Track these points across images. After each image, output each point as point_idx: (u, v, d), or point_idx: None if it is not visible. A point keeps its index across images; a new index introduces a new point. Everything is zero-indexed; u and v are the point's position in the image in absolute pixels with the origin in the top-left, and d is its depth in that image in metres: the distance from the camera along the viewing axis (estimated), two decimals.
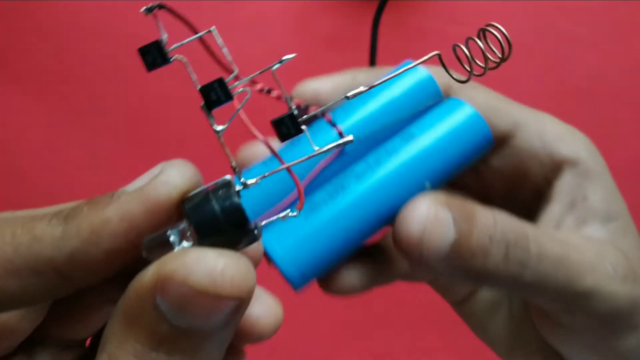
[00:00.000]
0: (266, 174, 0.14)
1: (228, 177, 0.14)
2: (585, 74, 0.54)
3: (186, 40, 0.15)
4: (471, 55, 0.16)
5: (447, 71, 0.16)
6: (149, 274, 0.13)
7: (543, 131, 0.22)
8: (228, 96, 0.16)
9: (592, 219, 0.21)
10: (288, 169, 0.15)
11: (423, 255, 0.17)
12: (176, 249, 0.13)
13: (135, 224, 0.14)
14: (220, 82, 0.16)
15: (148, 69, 0.15)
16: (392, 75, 0.15)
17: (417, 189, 0.18)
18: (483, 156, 0.21)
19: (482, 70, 0.16)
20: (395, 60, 0.56)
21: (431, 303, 0.28)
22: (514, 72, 0.55)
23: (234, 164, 0.15)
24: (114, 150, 0.53)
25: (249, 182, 0.14)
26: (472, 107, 0.20)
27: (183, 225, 0.14)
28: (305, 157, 0.14)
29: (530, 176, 0.22)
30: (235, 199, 0.13)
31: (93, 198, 0.14)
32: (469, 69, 0.16)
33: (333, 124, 0.19)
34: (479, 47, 0.16)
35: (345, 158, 0.20)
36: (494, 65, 0.16)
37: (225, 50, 0.16)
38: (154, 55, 0.15)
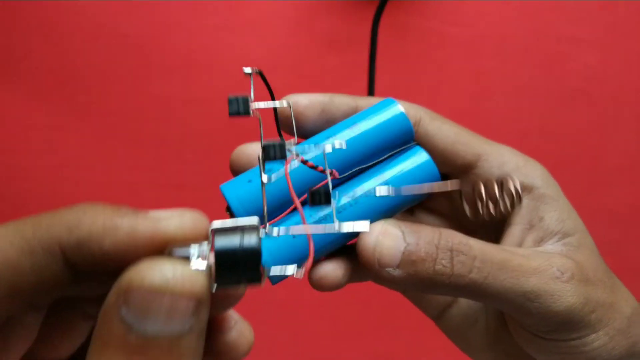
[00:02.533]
0: (290, 233, 0.18)
1: (256, 220, 0.17)
2: (584, 74, 0.54)
3: (265, 105, 0.19)
4: (486, 199, 0.20)
5: (463, 206, 0.21)
6: (112, 290, 0.14)
7: (502, 162, 0.25)
8: (283, 157, 0.18)
9: (549, 237, 0.24)
10: (308, 236, 0.18)
11: (380, 263, 0.21)
12: (191, 263, 0.15)
13: (135, 240, 0.16)
14: (282, 145, 0.18)
15: (230, 114, 0.18)
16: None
17: (379, 217, 0.23)
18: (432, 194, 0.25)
19: (491, 214, 0.20)
20: (396, 60, 0.57)
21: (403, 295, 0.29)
22: (514, 72, 0.55)
23: (265, 212, 0.18)
24: (115, 151, 0.53)
25: (274, 233, 0.17)
26: (427, 154, 0.24)
27: (204, 247, 0.16)
28: (321, 228, 0.18)
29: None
30: (257, 243, 0.16)
31: (119, 206, 0.17)
32: (482, 210, 0.20)
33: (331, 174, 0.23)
34: (494, 193, 0.20)
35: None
36: (504, 211, 0.20)
37: (294, 121, 0.20)
38: (239, 105, 0.19)
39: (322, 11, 0.54)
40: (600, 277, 0.23)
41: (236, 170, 0.24)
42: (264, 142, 0.18)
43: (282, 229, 0.17)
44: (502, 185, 0.21)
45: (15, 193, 0.53)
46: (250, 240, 0.16)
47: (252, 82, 0.19)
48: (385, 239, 0.21)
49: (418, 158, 0.24)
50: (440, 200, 0.27)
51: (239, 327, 0.19)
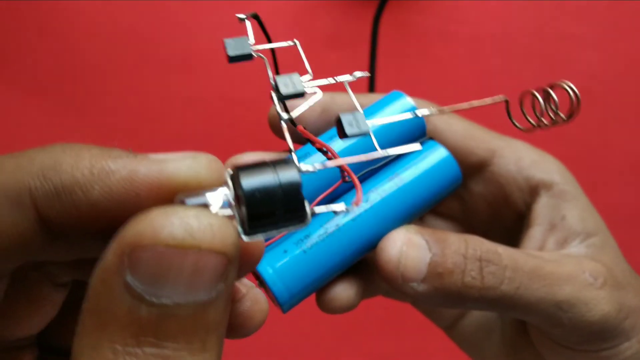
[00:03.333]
0: (326, 164, 0.14)
1: (285, 156, 0.14)
2: (586, 73, 0.54)
3: (268, 46, 0.16)
4: (543, 107, 0.17)
5: (511, 120, 0.17)
6: (111, 250, 0.11)
7: (518, 157, 0.23)
8: (300, 91, 0.15)
9: (572, 238, 0.22)
10: (344, 166, 0.15)
11: (404, 277, 0.18)
12: (213, 211, 0.12)
13: (135, 188, 0.12)
14: (296, 76, 0.15)
15: (230, 61, 0.16)
16: (387, 118, 0.17)
17: (397, 223, 0.20)
18: (453, 191, 0.23)
19: (547, 123, 0.17)
20: (396, 58, 0.56)
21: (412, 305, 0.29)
22: (515, 71, 0.55)
23: (291, 146, 0.14)
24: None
25: (304, 167, 0.13)
26: (446, 150, 0.22)
27: (225, 191, 0.12)
28: (363, 157, 0.15)
29: (510, 201, 0.23)
30: (297, 175, 0.12)
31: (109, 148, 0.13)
32: (534, 121, 0.16)
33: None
34: (552, 100, 0.17)
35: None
36: (562, 119, 0.16)
37: (304, 58, 0.17)
38: (238, 48, 0.16)
39: (322, 10, 0.54)
40: (629, 279, 0.21)
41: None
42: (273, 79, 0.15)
43: (317, 164, 0.14)
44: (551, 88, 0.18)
45: None
46: (288, 173, 0.12)
47: (248, 26, 0.16)
48: (410, 249, 0.19)
49: (434, 152, 0.22)
50: (450, 202, 0.25)
51: (252, 294, 0.16)
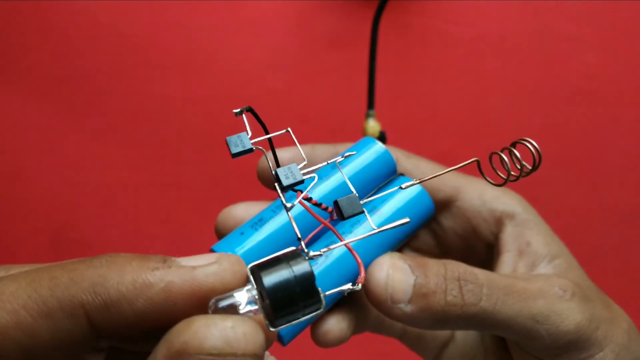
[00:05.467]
0: (331, 247, 0.17)
1: (294, 248, 0.16)
2: (585, 73, 0.54)
3: (264, 137, 0.18)
4: (509, 164, 0.19)
5: (484, 177, 0.19)
6: (160, 353, 0.13)
7: (481, 192, 0.26)
8: (299, 180, 0.17)
9: (539, 261, 0.24)
10: (347, 246, 0.18)
11: (392, 299, 0.20)
12: (241, 312, 0.14)
13: (172, 297, 0.14)
14: (294, 167, 0.17)
15: (233, 156, 0.18)
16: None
17: (379, 252, 0.22)
18: (427, 222, 0.26)
19: (516, 176, 0.19)
20: (396, 59, 0.56)
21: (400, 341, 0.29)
22: (515, 71, 0.55)
23: (301, 242, 0.16)
24: (115, 150, 0.53)
25: (312, 254, 0.16)
26: (419, 185, 0.25)
27: (251, 290, 0.15)
28: (366, 234, 0.17)
29: (478, 232, 0.26)
30: (309, 267, 0.15)
31: (145, 255, 0.15)
32: (504, 176, 0.19)
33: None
34: (514, 156, 0.19)
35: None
36: (527, 173, 0.19)
37: (299, 146, 0.19)
38: (240, 144, 0.18)
39: (322, 11, 0.54)
40: (595, 294, 0.23)
41: (222, 233, 0.24)
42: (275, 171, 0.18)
43: (323, 249, 0.16)
44: (515, 145, 0.21)
45: (15, 193, 0.53)
46: (300, 267, 0.15)
47: (245, 120, 0.19)
48: (396, 272, 0.20)
49: (411, 190, 0.25)
50: (426, 238, 0.28)
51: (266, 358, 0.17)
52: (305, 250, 0.16)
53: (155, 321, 0.14)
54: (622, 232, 0.52)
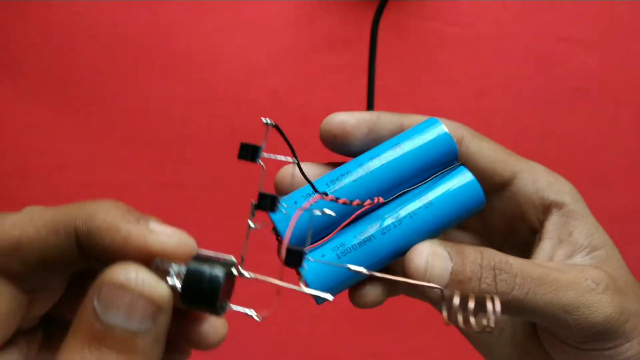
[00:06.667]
0: (258, 276, 0.19)
1: (232, 258, 0.19)
2: (583, 74, 0.54)
3: (274, 157, 0.20)
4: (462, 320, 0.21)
5: (440, 311, 0.21)
6: (93, 284, 0.17)
7: (536, 179, 0.26)
8: (272, 210, 0.20)
9: (578, 251, 0.25)
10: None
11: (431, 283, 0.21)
12: (168, 278, 0.18)
13: (129, 244, 0.18)
14: (274, 198, 0.19)
15: (238, 157, 0.20)
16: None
17: (421, 238, 0.23)
18: (477, 214, 0.25)
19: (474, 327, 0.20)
20: (396, 60, 0.56)
21: (430, 304, 0.29)
22: (513, 72, 0.55)
23: (240, 260, 0.19)
24: (115, 150, 0.53)
25: (246, 274, 0.19)
26: (473, 177, 0.24)
27: (182, 267, 0.18)
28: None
29: (526, 217, 0.26)
30: (221, 276, 0.17)
31: (130, 208, 0.19)
32: (448, 321, 0.20)
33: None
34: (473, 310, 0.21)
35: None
36: (482, 328, 0.20)
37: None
38: (248, 152, 0.20)
39: (322, 11, 0.54)
40: (631, 287, 0.24)
41: (281, 190, 0.25)
42: (260, 191, 0.20)
43: (252, 273, 0.19)
44: (481, 301, 0.22)
45: (15, 193, 0.53)
46: (216, 271, 0.17)
47: (267, 133, 0.20)
48: (435, 259, 0.22)
49: (463, 178, 0.24)
50: (473, 217, 0.28)
51: (213, 321, 0.21)
52: (239, 266, 0.19)
53: (114, 257, 0.18)
54: (621, 232, 0.52)
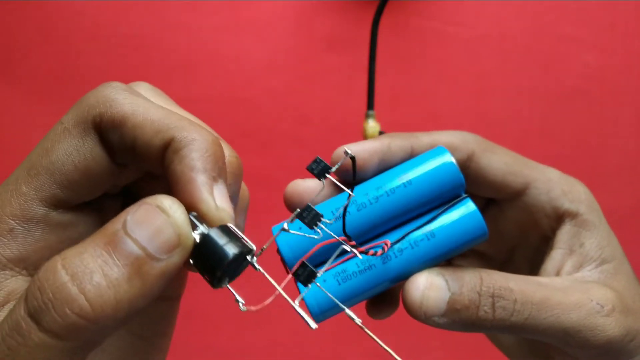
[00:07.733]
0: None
1: (254, 247, 0.19)
2: (584, 74, 0.54)
3: (337, 182, 0.22)
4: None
5: None
6: (140, 201, 0.18)
7: (549, 188, 0.25)
8: (311, 225, 0.20)
9: (587, 263, 0.24)
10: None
11: (426, 314, 0.22)
12: (195, 231, 0.18)
13: (193, 198, 0.19)
14: (317, 215, 0.20)
15: (307, 168, 0.21)
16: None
17: (422, 267, 0.24)
18: (479, 244, 0.25)
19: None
20: (396, 59, 0.56)
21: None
22: (514, 72, 0.55)
23: (256, 253, 0.19)
24: None
25: (256, 265, 0.19)
26: (476, 208, 0.24)
27: (207, 229, 0.18)
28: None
29: (538, 225, 0.26)
30: (232, 254, 0.18)
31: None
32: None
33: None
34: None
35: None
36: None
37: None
38: (319, 168, 0.21)
39: (322, 11, 0.54)
40: (638, 303, 0.24)
41: (290, 205, 0.25)
42: (308, 204, 0.20)
43: (261, 268, 0.19)
44: None
45: None
46: (230, 248, 0.18)
47: (342, 160, 0.21)
48: (432, 292, 0.22)
49: (465, 209, 0.24)
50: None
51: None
52: (253, 256, 0.19)
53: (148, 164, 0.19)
54: (621, 232, 0.52)
